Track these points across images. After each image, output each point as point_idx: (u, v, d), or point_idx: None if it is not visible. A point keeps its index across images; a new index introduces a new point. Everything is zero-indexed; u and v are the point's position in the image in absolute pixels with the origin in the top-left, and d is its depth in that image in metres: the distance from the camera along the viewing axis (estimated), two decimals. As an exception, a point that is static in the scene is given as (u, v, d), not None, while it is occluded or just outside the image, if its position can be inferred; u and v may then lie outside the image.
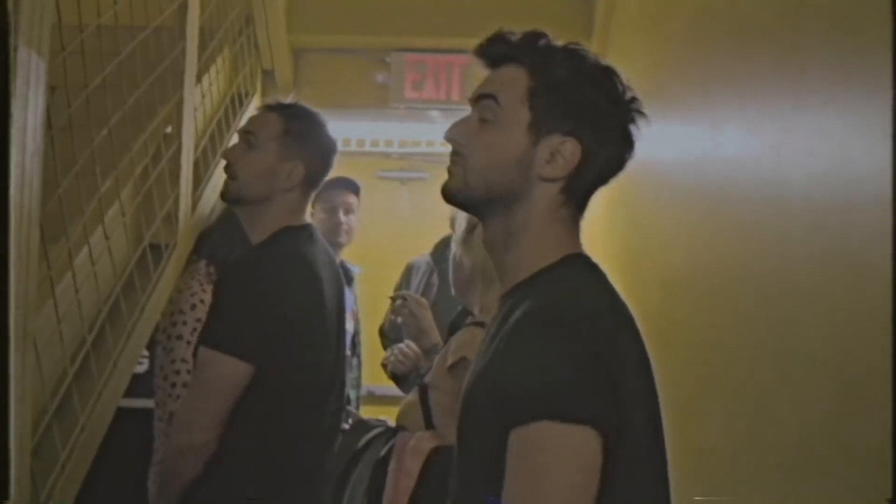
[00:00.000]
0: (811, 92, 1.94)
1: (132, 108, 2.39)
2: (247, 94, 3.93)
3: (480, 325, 2.12)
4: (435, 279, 3.87)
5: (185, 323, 2.82)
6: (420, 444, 2.14)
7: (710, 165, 2.50)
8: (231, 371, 2.15)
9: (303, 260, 2.29)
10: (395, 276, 3.95)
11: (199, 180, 3.07)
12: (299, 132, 2.40)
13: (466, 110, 4.54)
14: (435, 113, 4.49)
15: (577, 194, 1.35)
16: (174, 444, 2.22)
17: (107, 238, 2.21)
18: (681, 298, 2.61)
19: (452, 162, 1.39)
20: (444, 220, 3.90)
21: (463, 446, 1.32)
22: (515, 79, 1.36)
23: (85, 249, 2.10)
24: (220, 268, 2.54)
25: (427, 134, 4.59)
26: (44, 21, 1.72)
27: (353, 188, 3.73)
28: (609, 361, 1.20)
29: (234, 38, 3.77)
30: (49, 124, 1.79)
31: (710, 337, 2.38)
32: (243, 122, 3.79)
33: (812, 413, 1.94)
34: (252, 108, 4.03)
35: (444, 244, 3.83)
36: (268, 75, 4.32)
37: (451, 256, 2.30)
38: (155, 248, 2.63)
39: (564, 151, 1.32)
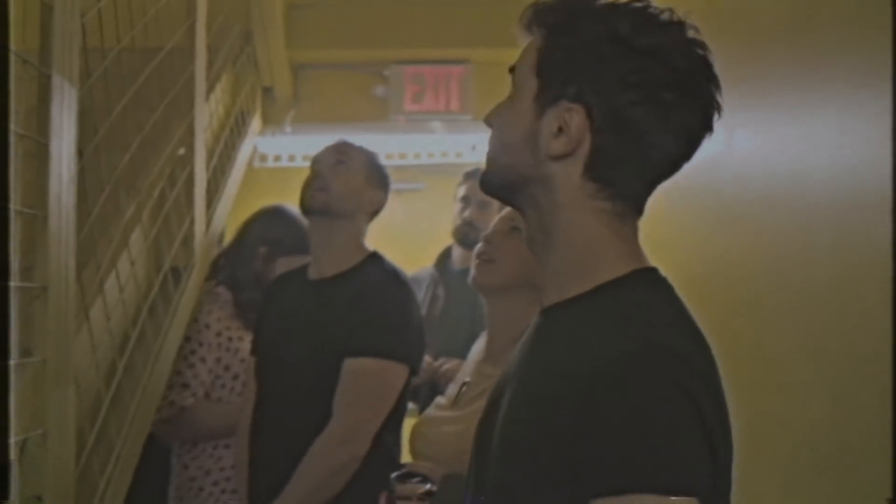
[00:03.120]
0: (833, 93, 1.95)
1: (148, 131, 2.38)
2: (248, 113, 3.93)
3: None
4: (440, 291, 3.83)
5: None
6: None
7: (724, 167, 2.51)
8: (398, 377, 2.35)
9: (407, 279, 2.53)
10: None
11: (209, 201, 3.06)
12: (381, 168, 2.61)
13: (466, 120, 4.50)
14: (436, 124, 4.49)
15: (609, 181, 1.13)
16: (333, 461, 2.28)
17: (132, 263, 2.20)
18: (694, 300, 2.61)
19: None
20: (440, 231, 3.89)
21: (496, 497, 1.14)
22: (531, 45, 1.17)
23: (112, 275, 2.09)
24: (366, 285, 2.51)
25: (427, 145, 4.59)
26: (73, 47, 1.72)
27: None
28: (708, 415, 1.04)
29: (236, 57, 3.76)
30: (80, 152, 1.79)
31: (727, 339, 2.39)
32: (247, 141, 3.79)
33: (824, 411, 1.95)
34: (255, 127, 4.03)
35: (446, 255, 3.81)
36: (267, 92, 4.32)
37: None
38: (173, 271, 2.62)
39: (570, 122, 1.11)
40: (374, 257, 2.53)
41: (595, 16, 1.13)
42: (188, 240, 2.71)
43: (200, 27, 2.85)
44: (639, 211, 1.18)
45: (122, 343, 2.16)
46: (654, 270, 1.18)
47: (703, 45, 1.13)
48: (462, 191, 3.74)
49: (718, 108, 1.15)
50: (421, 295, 3.84)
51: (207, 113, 3.12)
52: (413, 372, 2.44)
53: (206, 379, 2.78)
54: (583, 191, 1.14)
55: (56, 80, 1.61)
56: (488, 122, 1.22)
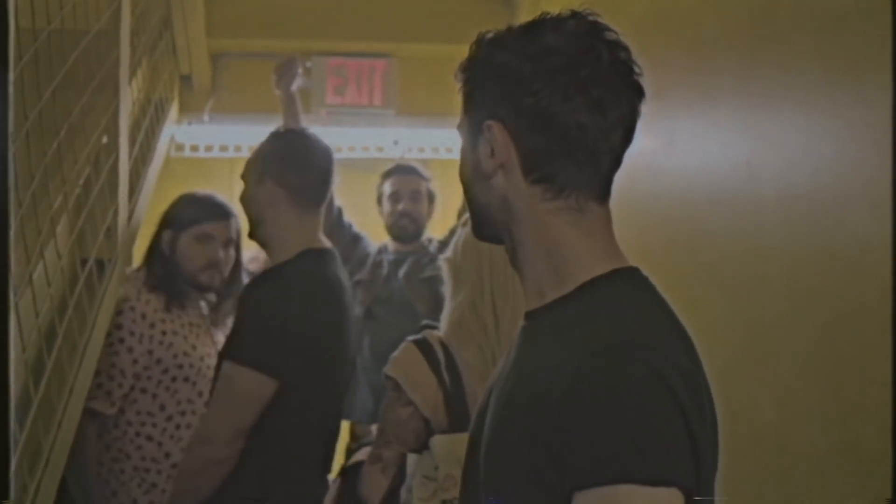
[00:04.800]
0: (787, 98, 1.97)
1: (75, 117, 2.27)
2: (167, 101, 3.81)
3: (420, 344, 2.00)
4: (385, 259, 3.71)
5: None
6: (352, 458, 2.17)
7: (666, 177, 2.53)
8: (257, 386, 2.23)
9: (325, 280, 2.38)
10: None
11: (131, 191, 2.95)
12: (270, 153, 2.48)
13: (388, 115, 4.45)
14: (357, 118, 4.43)
15: (550, 178, 1.18)
16: (195, 460, 2.27)
17: (59, 256, 2.10)
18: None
19: None
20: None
21: (490, 495, 1.16)
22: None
23: (39, 266, 1.98)
24: (252, 290, 2.45)
25: (348, 139, 4.52)
26: (8, 26, 1.62)
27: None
28: (686, 407, 1.06)
29: (155, 43, 3.64)
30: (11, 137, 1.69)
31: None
32: (166, 129, 3.67)
33: (772, 412, 1.97)
34: (172, 115, 3.91)
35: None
36: (185, 81, 4.20)
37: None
38: (95, 263, 2.51)
39: (491, 139, 1.19)
40: (306, 253, 2.41)
41: (483, 49, 1.21)
42: (111, 231, 2.60)
43: (126, 11, 2.74)
44: (600, 199, 1.22)
45: (48, 339, 2.06)
46: (634, 270, 1.22)
47: (586, 23, 1.20)
48: (388, 188, 3.71)
49: (622, 70, 1.19)
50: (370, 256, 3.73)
51: (130, 100, 3.01)
52: (286, 386, 2.29)
53: (129, 370, 2.70)
54: (533, 197, 1.19)
55: (-7, 62, 1.52)
56: None
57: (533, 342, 1.19)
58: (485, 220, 1.27)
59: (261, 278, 2.47)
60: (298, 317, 2.30)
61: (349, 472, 2.12)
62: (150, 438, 2.74)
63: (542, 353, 1.15)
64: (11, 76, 1.54)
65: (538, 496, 1.08)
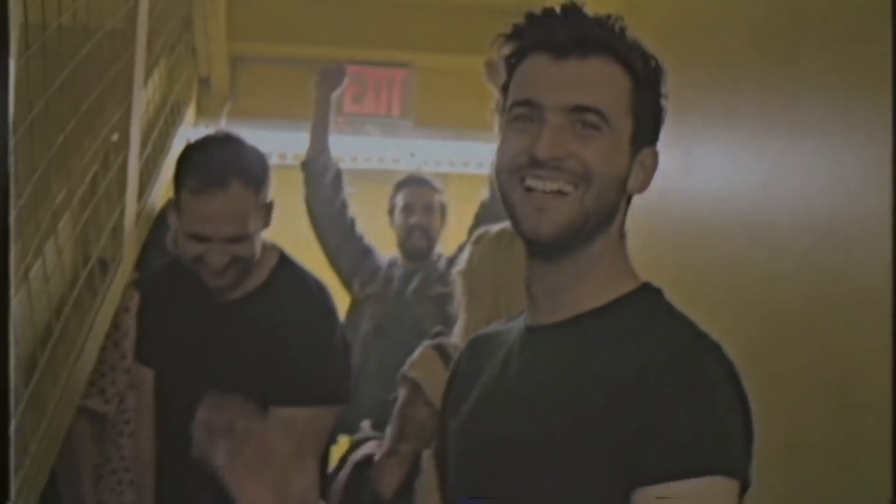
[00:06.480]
0: (808, 118, 1.93)
1: (84, 113, 2.25)
2: (184, 104, 3.79)
3: (438, 347, 2.13)
4: (397, 273, 3.64)
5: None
6: (359, 452, 2.31)
7: (682, 199, 2.49)
8: (331, 420, 2.07)
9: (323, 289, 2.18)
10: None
11: (141, 191, 2.92)
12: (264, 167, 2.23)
13: (406, 125, 4.38)
14: (372, 127, 4.41)
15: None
16: None
17: (59, 252, 2.07)
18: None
19: (560, 189, 1.14)
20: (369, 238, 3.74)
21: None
22: (614, 78, 1.15)
23: (37, 263, 1.95)
24: (283, 310, 2.12)
25: (364, 149, 4.50)
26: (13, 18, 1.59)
27: None
28: (747, 403, 1.12)
29: (174, 44, 3.62)
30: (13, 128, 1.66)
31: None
32: (181, 132, 3.66)
33: (782, 436, 1.93)
34: (189, 118, 3.90)
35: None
36: (203, 84, 4.18)
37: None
38: (99, 263, 2.49)
39: (648, 163, 1.20)
40: (285, 265, 2.17)
41: (645, 51, 1.19)
42: (117, 230, 2.58)
43: (143, 9, 2.72)
44: None
45: (43, 336, 2.03)
46: (656, 286, 1.24)
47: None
48: (401, 200, 3.64)
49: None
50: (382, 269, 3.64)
51: (144, 99, 2.99)
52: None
53: (119, 365, 2.66)
54: (622, 215, 1.21)
55: (-2, 52, 1.49)
56: (564, 156, 1.14)
57: (572, 352, 1.18)
58: (580, 227, 1.17)
59: (295, 301, 2.13)
60: (335, 330, 2.15)
61: (360, 466, 2.22)
62: (132, 436, 2.63)
63: (594, 363, 1.14)
64: (12, 64, 1.51)
65: (586, 496, 1.10)
